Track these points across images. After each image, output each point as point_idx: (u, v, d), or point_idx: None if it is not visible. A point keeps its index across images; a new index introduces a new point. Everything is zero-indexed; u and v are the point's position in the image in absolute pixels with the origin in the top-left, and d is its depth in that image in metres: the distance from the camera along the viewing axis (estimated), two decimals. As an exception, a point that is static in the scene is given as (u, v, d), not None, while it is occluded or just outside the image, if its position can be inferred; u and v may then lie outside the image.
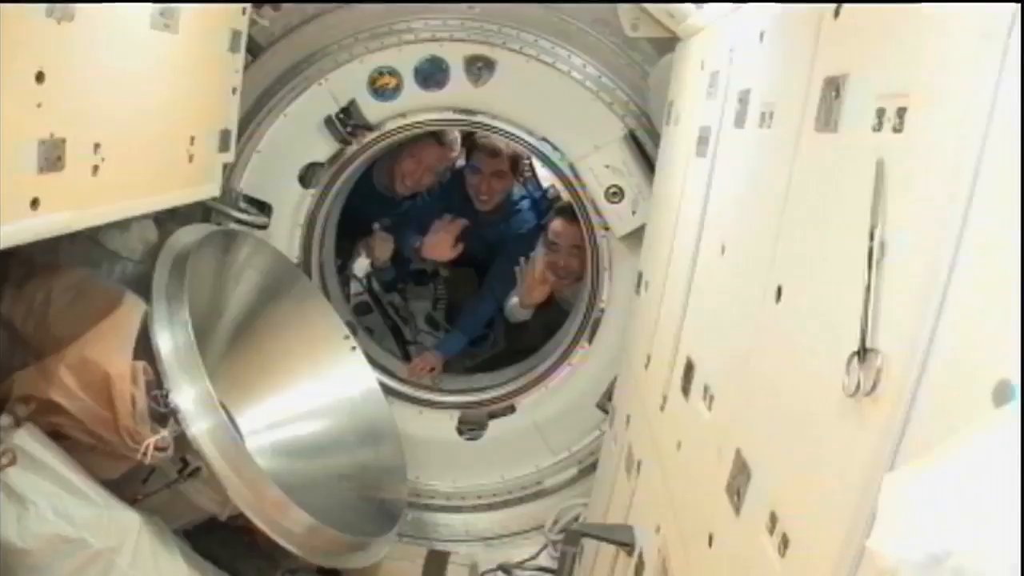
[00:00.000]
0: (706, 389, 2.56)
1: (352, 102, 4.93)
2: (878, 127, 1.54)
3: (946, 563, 0.92)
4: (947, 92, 1.34)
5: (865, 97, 1.63)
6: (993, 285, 1.15)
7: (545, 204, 6.62)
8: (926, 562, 0.93)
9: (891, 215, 1.45)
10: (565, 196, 5.55)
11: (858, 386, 1.41)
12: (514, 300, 6.06)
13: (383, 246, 6.17)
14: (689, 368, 2.82)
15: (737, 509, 2.01)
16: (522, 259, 5.96)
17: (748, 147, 2.59)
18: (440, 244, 6.02)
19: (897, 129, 1.47)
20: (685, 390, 2.82)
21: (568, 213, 5.56)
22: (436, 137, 5.89)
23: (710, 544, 2.20)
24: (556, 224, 5.77)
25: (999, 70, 1.19)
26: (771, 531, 1.74)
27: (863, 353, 1.42)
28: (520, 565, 5.31)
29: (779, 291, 1.96)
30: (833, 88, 1.79)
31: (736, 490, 2.03)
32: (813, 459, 1.63)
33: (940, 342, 1.26)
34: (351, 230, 6.32)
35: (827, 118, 1.81)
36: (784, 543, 1.67)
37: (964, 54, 1.30)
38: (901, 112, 1.46)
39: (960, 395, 1.19)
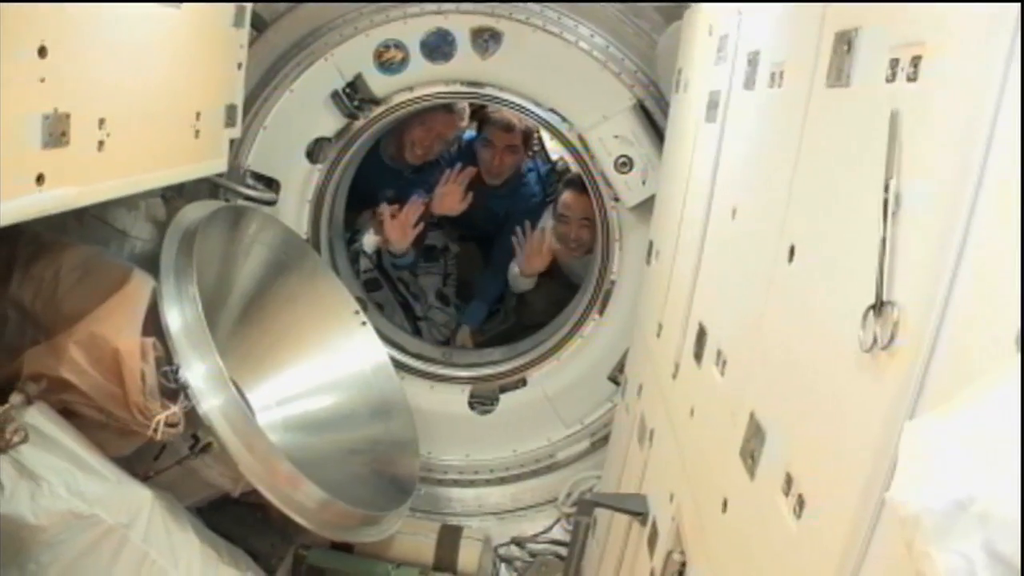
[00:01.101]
0: (719, 354, 2.54)
1: (358, 76, 4.91)
2: (891, 78, 1.51)
3: (971, 509, 0.90)
4: (963, 37, 1.31)
5: (878, 48, 1.60)
6: (1012, 231, 1.13)
7: (554, 176, 6.62)
8: (950, 509, 0.91)
9: (906, 166, 1.42)
10: (574, 168, 5.52)
11: (874, 340, 1.39)
12: (515, 269, 6.06)
13: (401, 235, 6.07)
14: (701, 334, 2.80)
15: (752, 472, 1.99)
16: (518, 228, 5.96)
17: (758, 109, 2.56)
18: (450, 196, 5.97)
19: (911, 78, 1.45)
20: (697, 356, 2.80)
21: (577, 185, 5.55)
22: (445, 106, 5.87)
23: (724, 509, 2.19)
24: (566, 196, 5.77)
25: (1018, 13, 1.16)
26: (786, 493, 1.72)
27: (879, 307, 1.40)
28: (534, 539, 5.32)
29: (792, 251, 1.94)
30: (845, 42, 1.77)
31: (750, 453, 2.01)
32: (829, 417, 1.61)
33: (959, 291, 1.24)
34: (359, 204, 6.32)
35: (839, 73, 1.79)
36: (800, 504, 1.65)
37: (981, -2, 1.27)
38: (916, 61, 1.44)
39: (981, 344, 1.17)
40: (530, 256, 5.94)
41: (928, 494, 0.93)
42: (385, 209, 5.90)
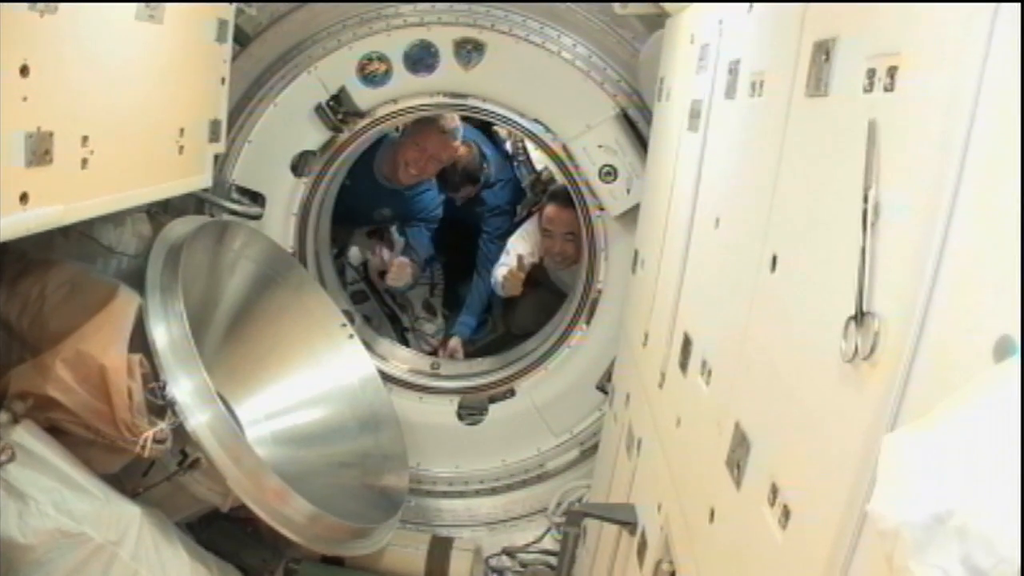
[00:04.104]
0: (704, 364, 2.54)
1: (342, 89, 4.91)
2: (869, 88, 1.52)
3: (949, 523, 0.90)
4: (938, 48, 1.32)
5: (855, 59, 1.61)
6: (990, 240, 1.14)
7: (539, 186, 6.65)
8: (928, 523, 0.91)
9: (885, 176, 1.43)
10: (559, 177, 5.53)
11: (856, 351, 1.40)
12: (497, 278, 6.12)
13: (401, 272, 6.22)
14: (687, 343, 2.81)
15: (738, 483, 1.99)
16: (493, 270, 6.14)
17: (739, 118, 2.57)
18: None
19: (888, 89, 1.46)
20: (683, 366, 2.81)
21: (561, 198, 5.58)
22: (439, 127, 5.90)
23: (711, 519, 2.19)
24: (549, 210, 5.81)
25: (991, 23, 1.17)
26: (772, 503, 1.73)
27: (860, 317, 1.40)
28: (524, 548, 5.31)
29: (774, 260, 1.95)
30: (823, 52, 1.77)
31: (736, 463, 2.01)
32: (812, 428, 1.61)
33: (938, 301, 1.25)
34: (353, 220, 6.35)
35: (817, 83, 1.79)
36: (785, 514, 1.65)
37: (955, 10, 1.28)
38: (892, 71, 1.45)
39: (960, 354, 1.17)
40: (505, 281, 6.02)
41: (907, 508, 0.93)
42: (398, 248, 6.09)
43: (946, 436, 0.95)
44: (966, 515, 0.88)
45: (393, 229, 6.87)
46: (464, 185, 6.63)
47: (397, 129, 6.18)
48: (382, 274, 6.63)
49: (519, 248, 6.06)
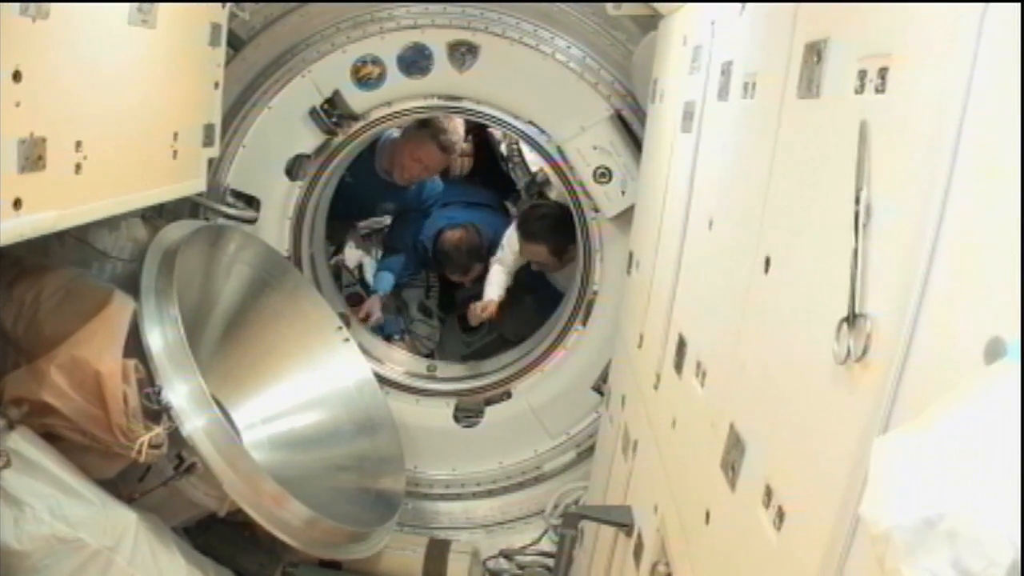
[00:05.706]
0: (698, 365, 2.54)
1: (336, 92, 4.90)
2: (860, 89, 1.52)
3: (939, 526, 0.90)
4: (928, 49, 1.32)
5: (846, 60, 1.61)
6: (981, 242, 1.13)
7: (535, 188, 6.67)
8: (919, 526, 0.91)
9: (876, 177, 1.43)
10: (554, 180, 5.54)
11: (848, 352, 1.40)
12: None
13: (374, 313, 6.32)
14: (681, 345, 2.80)
15: (732, 484, 1.99)
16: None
17: (732, 119, 2.57)
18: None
19: (879, 90, 1.46)
20: (678, 367, 2.80)
21: (525, 228, 5.87)
22: (440, 143, 5.89)
23: (707, 521, 2.19)
24: (514, 241, 6.09)
25: (979, 25, 1.17)
26: (766, 504, 1.73)
27: (852, 319, 1.40)
28: (522, 550, 5.31)
29: (767, 262, 1.95)
30: (814, 53, 1.77)
31: (731, 465, 2.01)
32: (806, 430, 1.61)
33: (929, 303, 1.25)
34: (355, 214, 6.35)
35: (809, 84, 1.79)
36: (779, 516, 1.65)
37: (944, 11, 1.28)
38: (883, 72, 1.45)
39: (952, 355, 1.17)
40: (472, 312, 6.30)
41: (898, 511, 0.93)
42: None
43: (937, 439, 0.95)
44: (956, 518, 0.88)
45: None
46: (472, 266, 6.70)
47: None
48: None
49: (508, 248, 6.20)
